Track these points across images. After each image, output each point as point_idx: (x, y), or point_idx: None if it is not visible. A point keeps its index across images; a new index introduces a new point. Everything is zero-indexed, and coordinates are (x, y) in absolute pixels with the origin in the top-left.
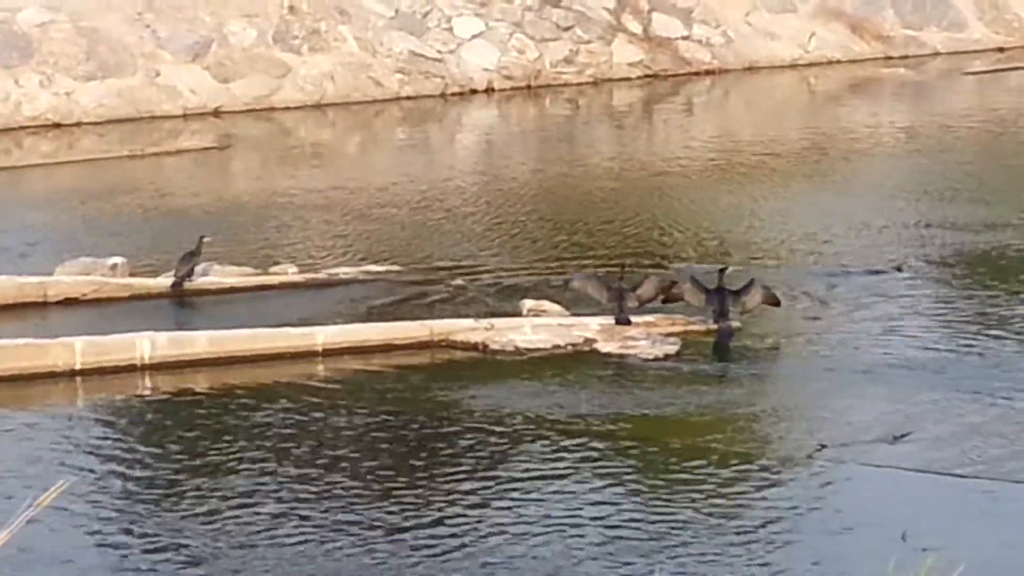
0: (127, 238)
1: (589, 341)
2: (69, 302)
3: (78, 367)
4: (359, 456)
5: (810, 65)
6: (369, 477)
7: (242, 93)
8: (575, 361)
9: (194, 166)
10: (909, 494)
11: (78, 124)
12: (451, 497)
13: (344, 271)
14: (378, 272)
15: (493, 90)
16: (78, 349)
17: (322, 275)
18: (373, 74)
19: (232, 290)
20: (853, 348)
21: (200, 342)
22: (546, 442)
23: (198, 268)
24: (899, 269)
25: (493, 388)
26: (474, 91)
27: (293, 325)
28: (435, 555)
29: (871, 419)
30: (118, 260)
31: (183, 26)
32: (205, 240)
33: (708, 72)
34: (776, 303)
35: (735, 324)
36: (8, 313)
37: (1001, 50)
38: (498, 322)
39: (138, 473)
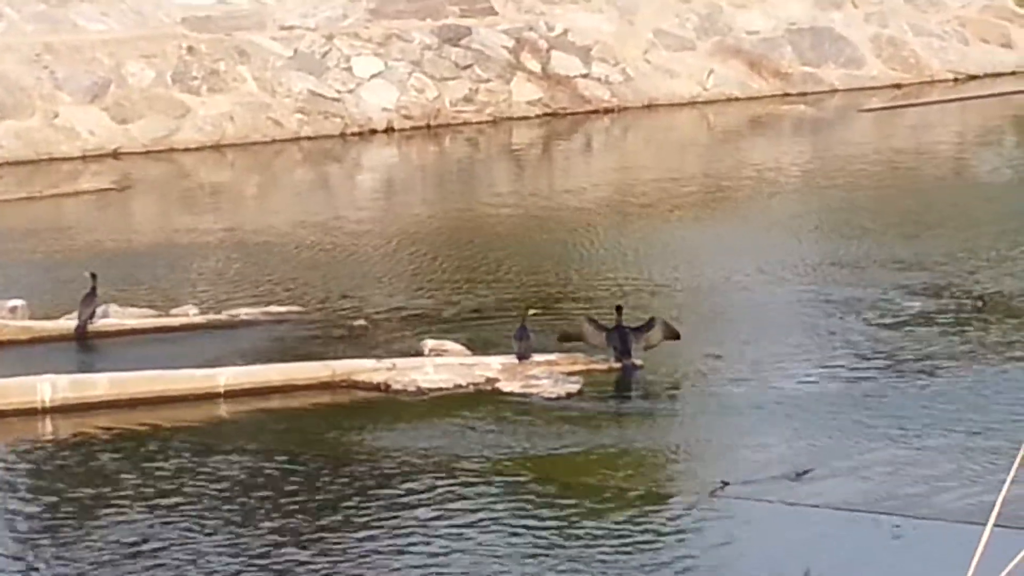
0: (27, 280)
1: (491, 381)
2: None
3: None
4: (261, 498)
5: (709, 102)
6: (271, 519)
7: (141, 134)
8: (477, 401)
9: (93, 208)
10: (812, 531)
11: None
12: (352, 538)
13: (245, 312)
14: (279, 313)
15: (393, 130)
16: None
17: (223, 316)
18: (272, 114)
19: (133, 332)
20: (755, 385)
21: (101, 384)
22: (448, 482)
23: (98, 310)
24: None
25: (395, 428)
26: (374, 131)
27: (195, 367)
28: None
29: (774, 456)
30: (18, 303)
31: (81, 67)
32: (87, 274)
33: (607, 110)
34: (676, 336)
35: (638, 362)
36: None
37: (898, 87)
38: (400, 362)
39: (39, 517)
